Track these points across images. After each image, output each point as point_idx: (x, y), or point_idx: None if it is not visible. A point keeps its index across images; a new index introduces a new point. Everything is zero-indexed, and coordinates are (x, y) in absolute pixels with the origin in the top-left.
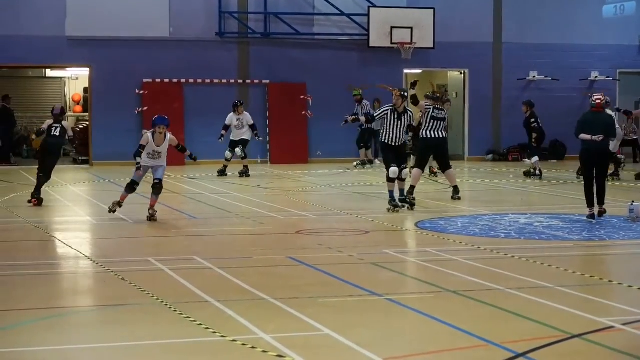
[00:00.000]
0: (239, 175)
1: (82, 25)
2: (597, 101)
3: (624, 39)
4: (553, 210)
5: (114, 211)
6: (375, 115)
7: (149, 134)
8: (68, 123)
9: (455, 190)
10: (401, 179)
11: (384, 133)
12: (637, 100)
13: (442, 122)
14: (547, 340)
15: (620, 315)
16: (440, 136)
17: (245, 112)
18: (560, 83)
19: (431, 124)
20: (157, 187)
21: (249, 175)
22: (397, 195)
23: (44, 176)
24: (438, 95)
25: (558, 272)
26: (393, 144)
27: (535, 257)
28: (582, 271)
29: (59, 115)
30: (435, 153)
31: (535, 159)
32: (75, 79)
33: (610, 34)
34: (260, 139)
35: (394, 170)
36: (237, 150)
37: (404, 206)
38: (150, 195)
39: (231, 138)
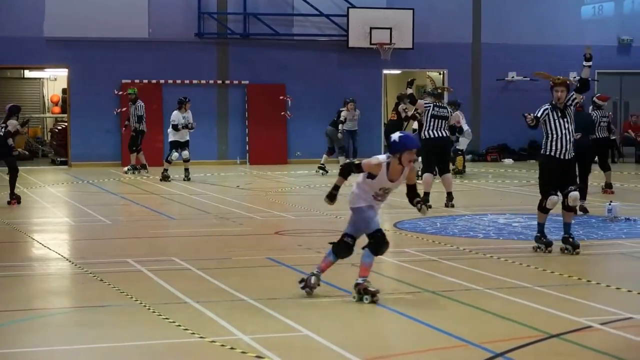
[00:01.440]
0: (185, 179)
1: (61, 25)
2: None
3: (602, 39)
4: (532, 210)
5: (311, 290)
6: (538, 116)
7: (384, 162)
8: (14, 121)
9: (449, 197)
10: (569, 208)
11: (548, 142)
12: (615, 100)
13: (444, 121)
14: (526, 340)
15: (598, 315)
16: (443, 135)
17: (189, 110)
18: (539, 84)
19: (432, 123)
20: (383, 245)
21: (190, 179)
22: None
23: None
24: (439, 91)
25: (537, 272)
26: (561, 157)
27: (514, 257)
28: (561, 271)
29: (10, 115)
30: (436, 154)
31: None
32: (53, 80)
33: (588, 34)
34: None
35: (553, 200)
36: (185, 152)
37: (567, 248)
38: (364, 259)
39: (176, 138)
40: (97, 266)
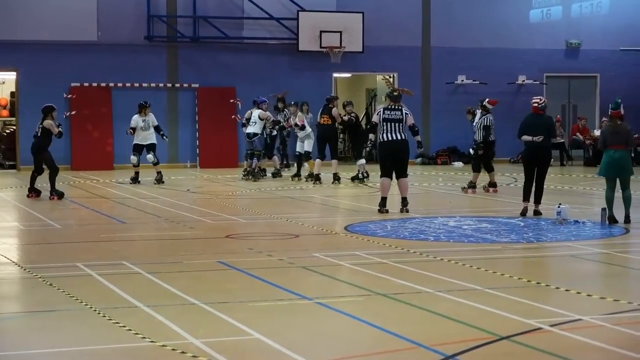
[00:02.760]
0: (155, 182)
1: (8, 28)
2: (534, 104)
3: (550, 43)
4: (481, 213)
5: None
6: None
7: None
8: (49, 121)
9: (404, 201)
10: None
11: None
12: (563, 103)
13: (398, 124)
14: (476, 342)
15: (547, 317)
16: (398, 138)
17: (150, 113)
18: (488, 87)
19: (385, 127)
20: None
21: (163, 182)
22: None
23: (36, 173)
24: (395, 94)
25: (486, 275)
26: None
27: (464, 259)
28: (510, 273)
29: (44, 116)
30: (392, 157)
31: (363, 161)
32: (1, 83)
33: (537, 38)
34: (166, 138)
35: None
36: (149, 156)
37: None
38: None
39: (137, 142)
40: (47, 270)
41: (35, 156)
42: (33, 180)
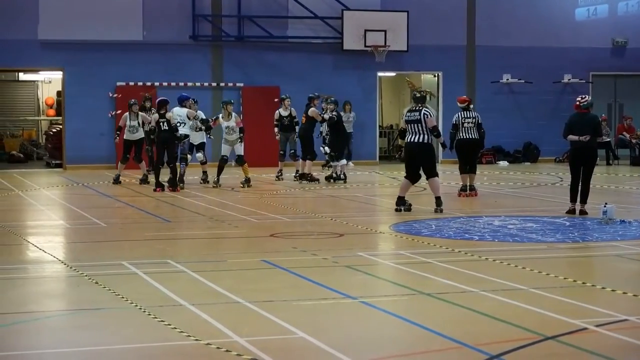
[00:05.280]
0: (200, 182)
1: (55, 28)
2: (576, 103)
3: (596, 41)
4: (526, 212)
5: None
6: None
7: None
8: (171, 114)
9: (438, 201)
10: None
11: None
12: (609, 102)
13: (415, 125)
14: (521, 342)
15: (593, 317)
16: (414, 140)
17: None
18: (534, 86)
19: (407, 128)
20: None
21: (208, 181)
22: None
23: (159, 165)
24: (418, 95)
25: (532, 274)
26: None
27: (509, 259)
28: (556, 273)
29: (159, 110)
30: (416, 158)
31: (343, 161)
32: (48, 83)
33: (583, 36)
34: (212, 137)
35: None
36: (199, 155)
37: None
38: None
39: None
40: (92, 269)
41: (164, 148)
42: (159, 173)
